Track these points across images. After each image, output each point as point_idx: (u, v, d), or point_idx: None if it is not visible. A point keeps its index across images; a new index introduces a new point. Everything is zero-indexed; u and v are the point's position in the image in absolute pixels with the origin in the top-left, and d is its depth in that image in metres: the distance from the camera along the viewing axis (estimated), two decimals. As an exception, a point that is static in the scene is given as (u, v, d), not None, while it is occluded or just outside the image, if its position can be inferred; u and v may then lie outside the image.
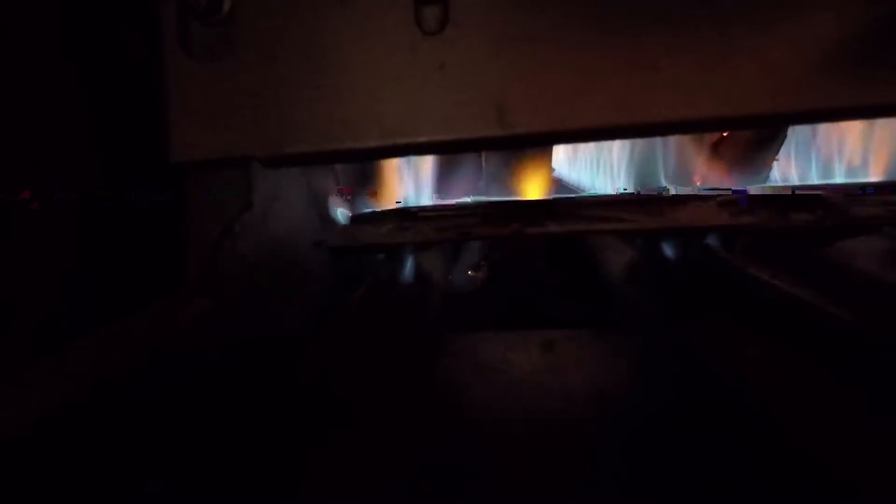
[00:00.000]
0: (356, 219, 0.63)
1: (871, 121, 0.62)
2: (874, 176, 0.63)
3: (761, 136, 0.63)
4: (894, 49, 0.36)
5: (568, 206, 0.58)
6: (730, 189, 0.60)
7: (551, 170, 0.66)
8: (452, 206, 0.62)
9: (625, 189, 0.64)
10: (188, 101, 0.40)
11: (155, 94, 0.41)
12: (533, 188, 0.65)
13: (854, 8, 0.37)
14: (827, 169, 0.64)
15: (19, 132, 0.37)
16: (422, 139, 0.40)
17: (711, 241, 0.56)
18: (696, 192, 0.60)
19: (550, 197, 0.63)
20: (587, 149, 0.67)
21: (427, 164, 0.65)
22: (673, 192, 0.62)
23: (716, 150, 0.64)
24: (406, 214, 0.61)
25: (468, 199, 0.64)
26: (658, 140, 0.63)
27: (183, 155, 0.40)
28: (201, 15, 0.39)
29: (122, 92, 0.44)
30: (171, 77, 0.40)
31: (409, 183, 0.65)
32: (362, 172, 0.65)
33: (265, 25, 0.40)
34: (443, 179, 0.66)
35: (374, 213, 0.63)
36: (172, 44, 0.40)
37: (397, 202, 0.65)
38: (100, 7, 0.43)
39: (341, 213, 0.63)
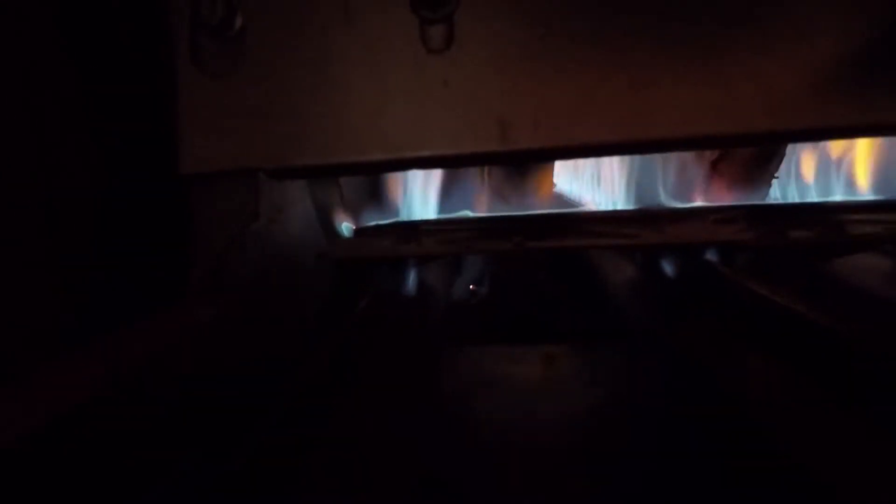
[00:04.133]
0: (360, 232, 0.63)
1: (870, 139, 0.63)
2: (872, 194, 0.63)
3: (760, 154, 0.63)
4: (890, 69, 0.37)
5: (569, 220, 0.59)
6: (729, 205, 0.60)
7: (552, 185, 0.67)
8: (455, 219, 0.63)
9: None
10: (198, 113, 0.41)
11: (164, 105, 0.42)
12: (534, 203, 0.65)
13: (849, 30, 0.37)
14: (826, 186, 0.65)
15: (30, 141, 0.38)
16: (425, 153, 0.40)
17: (711, 256, 0.56)
18: (696, 209, 0.60)
19: (551, 212, 0.63)
20: (588, 164, 0.67)
21: (430, 178, 0.66)
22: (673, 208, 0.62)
23: (715, 167, 0.65)
24: (409, 228, 0.61)
25: (470, 214, 0.65)
26: (658, 156, 0.63)
27: (192, 166, 0.41)
28: (213, 31, 0.40)
29: (132, 103, 0.45)
30: (182, 91, 0.41)
31: (413, 197, 0.66)
32: (366, 186, 0.66)
33: (274, 42, 0.41)
34: (446, 194, 0.67)
35: (377, 226, 0.64)
36: (184, 59, 0.41)
37: (401, 216, 0.65)
38: (112, 23, 0.44)
39: (345, 225, 0.63)
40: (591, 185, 0.67)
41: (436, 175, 0.66)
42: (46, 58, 0.40)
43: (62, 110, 0.40)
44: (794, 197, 0.65)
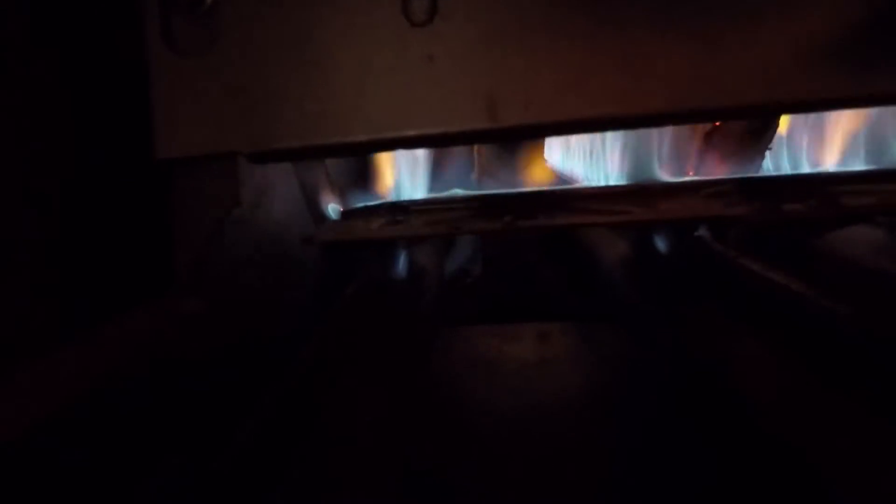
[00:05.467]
0: (347, 213, 0.62)
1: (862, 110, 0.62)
2: (866, 164, 0.63)
3: (753, 126, 0.63)
4: (883, 40, 0.36)
5: (560, 198, 0.58)
6: (722, 179, 0.60)
7: (544, 161, 0.66)
8: (444, 199, 0.62)
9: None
10: (173, 96, 0.39)
11: (142, 88, 0.40)
12: (525, 180, 0.64)
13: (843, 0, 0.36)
14: (819, 157, 0.64)
15: (13, 131, 0.36)
16: (411, 133, 0.39)
17: (704, 232, 0.56)
18: (689, 183, 0.60)
19: (543, 189, 0.62)
20: (580, 140, 0.66)
21: (419, 157, 0.64)
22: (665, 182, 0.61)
23: (708, 141, 0.64)
24: (398, 208, 0.60)
25: (460, 192, 0.64)
26: (651, 130, 0.62)
27: (169, 151, 0.40)
28: (184, 9, 0.38)
29: (109, 86, 0.43)
30: (156, 72, 0.39)
31: (401, 176, 0.64)
32: (353, 166, 0.65)
33: (250, 18, 0.39)
34: (435, 172, 0.66)
35: (365, 207, 0.63)
36: (156, 39, 0.39)
37: (389, 196, 0.64)
38: (91, 9, 0.42)
39: (332, 207, 0.62)
40: (584, 160, 0.66)
41: (425, 154, 0.64)
42: (23, 48, 0.38)
43: (45, 99, 0.39)
44: (786, 169, 0.65)
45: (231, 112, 0.39)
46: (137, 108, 0.41)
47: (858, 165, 0.63)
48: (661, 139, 0.64)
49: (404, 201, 0.62)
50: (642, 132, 0.62)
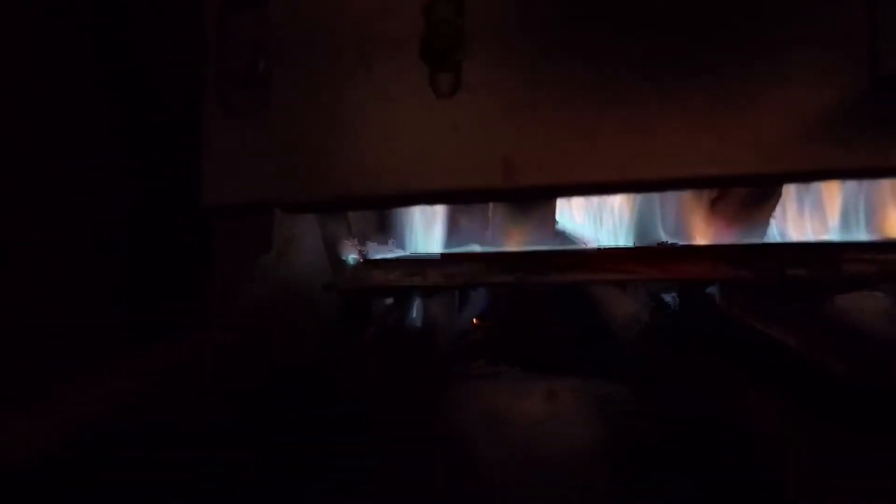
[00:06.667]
0: (366, 264, 0.65)
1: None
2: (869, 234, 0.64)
3: (757, 194, 0.65)
4: (869, 118, 0.39)
5: (571, 256, 0.60)
6: (728, 244, 0.62)
7: (555, 222, 0.69)
8: (460, 254, 0.64)
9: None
10: (221, 151, 0.44)
11: (189, 143, 0.45)
12: (538, 239, 0.67)
13: (833, 80, 0.40)
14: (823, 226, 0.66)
15: (87, 176, 0.40)
16: (431, 189, 0.43)
17: (711, 292, 0.57)
18: (696, 246, 0.62)
19: (554, 248, 0.65)
20: (591, 203, 0.69)
21: (436, 214, 0.68)
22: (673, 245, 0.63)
23: (714, 207, 0.67)
24: (414, 261, 0.63)
25: (475, 248, 0.67)
26: (658, 197, 0.65)
27: (213, 200, 0.44)
28: (239, 77, 0.43)
29: (156, 138, 0.48)
30: (208, 131, 0.44)
31: (419, 231, 0.68)
32: (373, 221, 0.68)
33: (296, 85, 0.44)
34: (451, 229, 0.69)
35: (383, 259, 0.65)
36: (212, 102, 0.44)
37: (407, 250, 0.67)
38: (145, 70, 0.47)
39: (352, 258, 0.65)
40: (594, 223, 0.69)
41: (442, 211, 0.68)
42: (100, 113, 0.43)
43: (108, 147, 0.43)
44: (791, 236, 0.66)
45: (271, 167, 0.44)
46: (184, 160, 0.45)
47: (861, 235, 0.64)
48: (668, 204, 0.66)
49: (421, 254, 0.65)
50: (650, 197, 0.65)
